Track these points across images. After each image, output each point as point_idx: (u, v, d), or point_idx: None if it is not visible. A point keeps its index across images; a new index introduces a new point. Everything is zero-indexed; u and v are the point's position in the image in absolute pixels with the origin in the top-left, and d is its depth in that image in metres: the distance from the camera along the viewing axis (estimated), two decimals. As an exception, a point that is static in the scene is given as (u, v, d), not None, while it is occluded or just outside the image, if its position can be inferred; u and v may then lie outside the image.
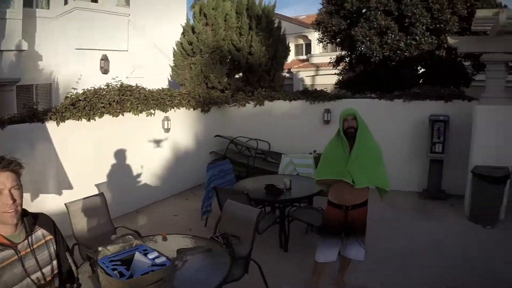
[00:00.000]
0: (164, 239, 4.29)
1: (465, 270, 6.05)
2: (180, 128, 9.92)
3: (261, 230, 5.70)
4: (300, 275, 5.64)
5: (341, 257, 5.08)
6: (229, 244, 4.36)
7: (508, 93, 8.50)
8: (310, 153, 9.35)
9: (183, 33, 13.49)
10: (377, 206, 5.34)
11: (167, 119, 9.23)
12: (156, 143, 9.20)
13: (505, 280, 5.79)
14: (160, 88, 9.62)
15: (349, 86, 14.10)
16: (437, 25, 11.48)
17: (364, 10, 12.56)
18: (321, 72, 24.56)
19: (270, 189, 6.47)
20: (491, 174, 7.79)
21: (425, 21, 11.33)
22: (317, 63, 25.24)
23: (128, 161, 8.48)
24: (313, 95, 10.89)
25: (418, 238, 7.20)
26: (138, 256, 3.05)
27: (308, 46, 27.89)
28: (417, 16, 11.30)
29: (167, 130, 9.30)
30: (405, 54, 11.72)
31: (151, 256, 3.06)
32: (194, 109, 10.36)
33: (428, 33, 11.54)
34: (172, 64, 13.62)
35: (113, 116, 7.92)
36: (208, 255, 3.94)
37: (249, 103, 11.44)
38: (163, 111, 9.19)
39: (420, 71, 13.89)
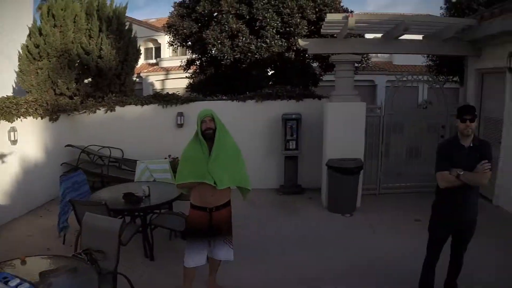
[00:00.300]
0: (23, 262, 3.90)
1: (330, 257, 6.41)
2: (28, 139, 9.14)
3: (124, 241, 5.46)
4: (170, 283, 5.53)
5: (210, 259, 5.05)
6: (93, 260, 4.11)
7: (357, 91, 9.05)
8: (165, 158, 9.22)
9: (29, 35, 12.48)
10: (238, 205, 5.36)
11: (13, 130, 8.54)
12: (2, 157, 8.50)
13: (366, 263, 6.22)
14: (5, 96, 8.86)
15: (200, 89, 14.14)
16: (287, 29, 11.88)
17: (215, 14, 12.65)
18: (171, 76, 24.49)
19: (129, 197, 6.22)
20: (345, 166, 8.31)
21: (275, 24, 11.68)
22: (167, 67, 25.13)
23: (-29, 179, 7.75)
24: (165, 98, 10.70)
25: (283, 232, 7.48)
26: (-2, 285, 2.80)
27: (158, 50, 27.68)
28: (268, 20, 11.60)
29: (14, 142, 8.60)
30: (256, 56, 11.96)
31: (12, 283, 2.82)
32: (42, 118, 9.63)
33: (278, 36, 11.89)
34: (17, 70, 12.64)
35: (-46, 129, 7.20)
36: (74, 275, 3.68)
37: (100, 110, 10.91)
38: (8, 121, 8.48)
39: (270, 72, 14.27)
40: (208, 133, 4.59)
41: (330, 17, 8.18)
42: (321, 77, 14.70)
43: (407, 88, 10.31)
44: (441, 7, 13.88)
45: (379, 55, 23.54)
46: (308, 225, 7.95)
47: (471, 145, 4.57)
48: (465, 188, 4.51)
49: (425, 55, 14.11)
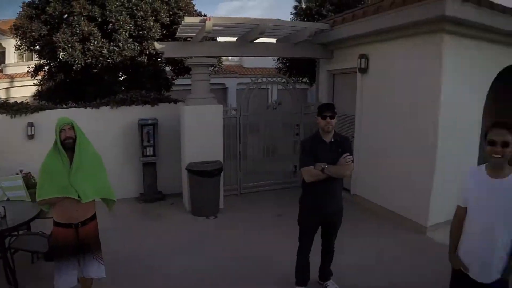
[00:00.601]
0: None
1: (200, 261, 6.48)
2: None
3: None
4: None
5: (81, 279, 4.77)
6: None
7: (213, 93, 9.21)
8: (17, 174, 8.61)
9: None
10: (99, 217, 5.08)
11: None
12: None
13: (236, 262, 6.39)
14: None
15: (49, 97, 13.37)
16: (140, 32, 11.64)
17: (66, 16, 12.07)
18: (17, 84, 22.93)
19: (-17, 221, 5.74)
20: (205, 169, 8.41)
21: (128, 27, 11.37)
22: (12, 74, 23.46)
23: None
24: (14, 108, 9.87)
25: (148, 242, 7.33)
26: None
27: (2, 55, 25.68)
28: (121, 23, 11.27)
29: None
30: (108, 60, 11.57)
31: None
32: None
33: (131, 39, 11.62)
34: None
35: None
36: None
37: None
38: None
39: (123, 77, 13.92)
40: (68, 143, 4.35)
41: (187, 20, 8.14)
42: (174, 81, 14.63)
43: (258, 90, 10.65)
44: (291, 12, 14.51)
45: (229, 58, 23.99)
46: (174, 231, 7.89)
47: (332, 140, 4.95)
48: (330, 180, 4.85)
49: (276, 58, 14.66)
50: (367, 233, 7.63)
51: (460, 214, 3.78)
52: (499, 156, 3.36)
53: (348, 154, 4.88)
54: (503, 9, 7.44)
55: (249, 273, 6.06)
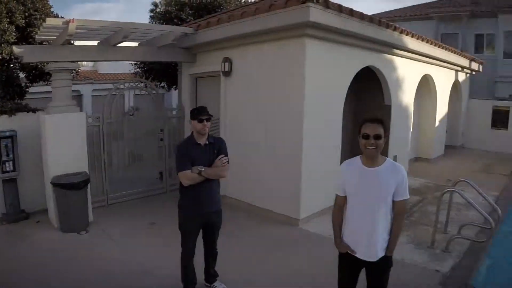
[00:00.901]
0: None
1: (77, 280, 6.13)
2: None
3: None
4: None
5: None
6: None
7: (75, 101, 9.02)
8: None
9: None
10: None
11: None
12: None
13: (115, 276, 6.19)
14: None
15: None
16: (-6, 35, 10.82)
17: None
18: None
19: None
20: (71, 181, 8.08)
21: (-19, 30, 10.50)
22: None
23: None
24: None
25: (18, 266, 6.68)
26: None
27: None
28: (-26, 25, 10.36)
29: None
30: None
31: None
32: None
33: (-17, 43, 10.76)
34: None
35: None
36: None
37: None
38: None
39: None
40: None
41: (50, 21, 7.68)
42: (28, 89, 13.78)
43: (116, 96, 10.43)
44: (150, 16, 14.41)
45: (84, 63, 23.20)
46: (45, 251, 7.30)
47: (207, 142, 5.12)
48: (207, 182, 5.04)
49: (133, 62, 14.47)
50: (243, 232, 7.91)
51: (340, 203, 4.13)
52: (373, 147, 3.70)
53: (224, 155, 5.11)
54: (361, 16, 8.16)
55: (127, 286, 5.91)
